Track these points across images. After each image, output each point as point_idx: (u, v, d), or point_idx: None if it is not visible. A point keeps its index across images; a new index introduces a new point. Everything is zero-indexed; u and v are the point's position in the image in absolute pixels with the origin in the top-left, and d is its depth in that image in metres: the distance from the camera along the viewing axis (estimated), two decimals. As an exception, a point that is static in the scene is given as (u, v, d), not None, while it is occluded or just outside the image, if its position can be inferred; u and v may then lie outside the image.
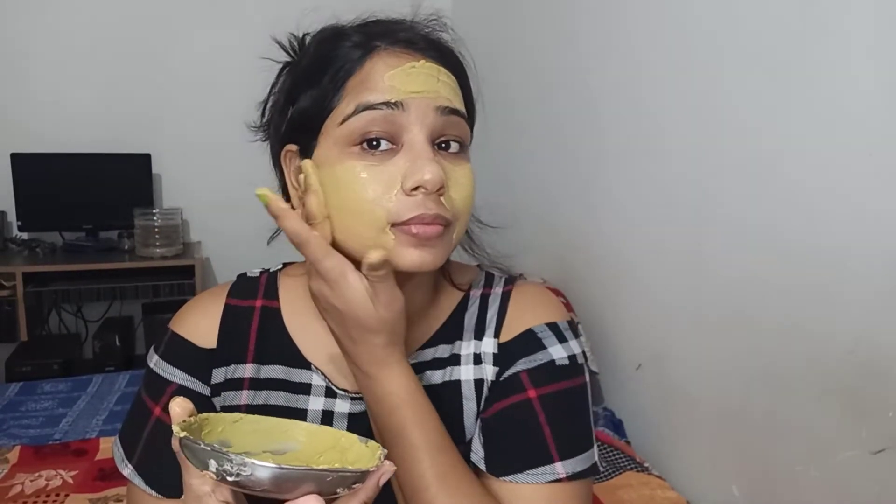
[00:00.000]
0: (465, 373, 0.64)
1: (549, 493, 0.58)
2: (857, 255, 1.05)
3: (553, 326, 0.64)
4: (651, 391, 1.62)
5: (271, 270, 0.70)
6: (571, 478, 0.58)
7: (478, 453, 0.61)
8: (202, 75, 2.78)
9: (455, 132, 0.56)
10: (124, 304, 2.81)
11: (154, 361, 0.65)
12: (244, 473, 0.41)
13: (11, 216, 2.64)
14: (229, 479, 0.41)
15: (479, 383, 0.63)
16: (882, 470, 1.02)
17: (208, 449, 0.41)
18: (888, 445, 1.01)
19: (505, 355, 0.63)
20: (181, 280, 2.56)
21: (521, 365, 0.62)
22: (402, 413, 0.55)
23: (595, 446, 0.63)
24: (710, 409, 1.42)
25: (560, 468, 0.58)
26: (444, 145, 0.56)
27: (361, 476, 0.44)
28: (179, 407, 0.46)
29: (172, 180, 2.84)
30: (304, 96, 0.58)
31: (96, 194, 2.68)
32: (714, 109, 1.36)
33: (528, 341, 0.63)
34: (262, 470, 0.40)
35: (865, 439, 1.05)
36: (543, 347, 0.62)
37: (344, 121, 0.54)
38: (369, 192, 0.53)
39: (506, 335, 0.64)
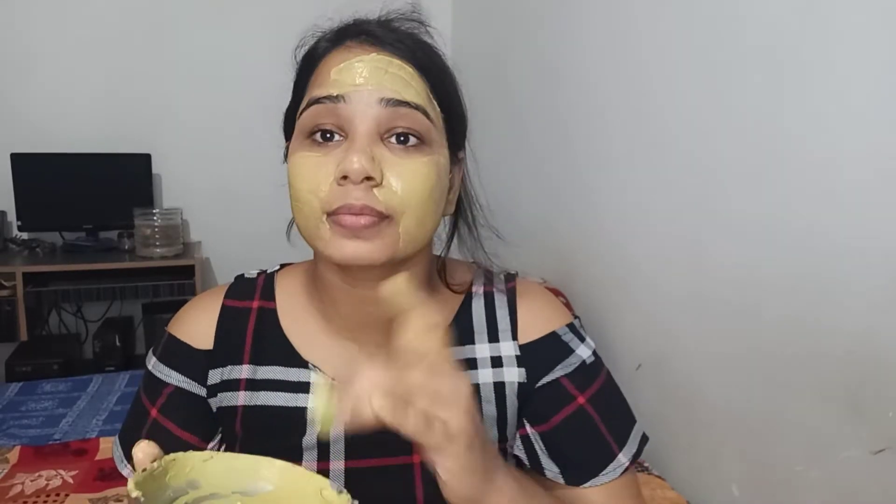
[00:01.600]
0: (483, 376, 0.64)
1: (621, 484, 0.63)
2: (857, 256, 1.05)
3: (571, 327, 0.67)
4: (651, 391, 1.62)
5: (268, 271, 0.70)
6: (632, 460, 0.64)
7: (552, 469, 0.63)
8: (203, 75, 2.78)
9: (405, 124, 0.55)
10: (124, 304, 2.81)
11: (152, 363, 0.66)
12: None
13: (11, 216, 2.64)
14: None
15: (499, 385, 0.64)
16: (882, 470, 1.02)
17: None
18: (888, 445, 1.01)
19: (531, 357, 0.65)
20: (181, 280, 2.56)
21: (559, 371, 0.64)
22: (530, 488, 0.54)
23: (636, 420, 0.67)
24: (710, 410, 1.41)
25: (623, 458, 0.63)
26: (402, 139, 0.55)
27: None
28: (142, 452, 0.44)
29: (172, 180, 2.84)
30: (292, 95, 0.61)
31: (96, 194, 2.67)
32: (716, 107, 1.36)
33: (557, 346, 0.65)
34: None
35: (865, 439, 1.04)
36: (572, 350, 0.65)
37: (300, 115, 0.56)
38: (308, 181, 0.54)
39: (524, 336, 0.65)
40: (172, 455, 0.45)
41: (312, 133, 0.56)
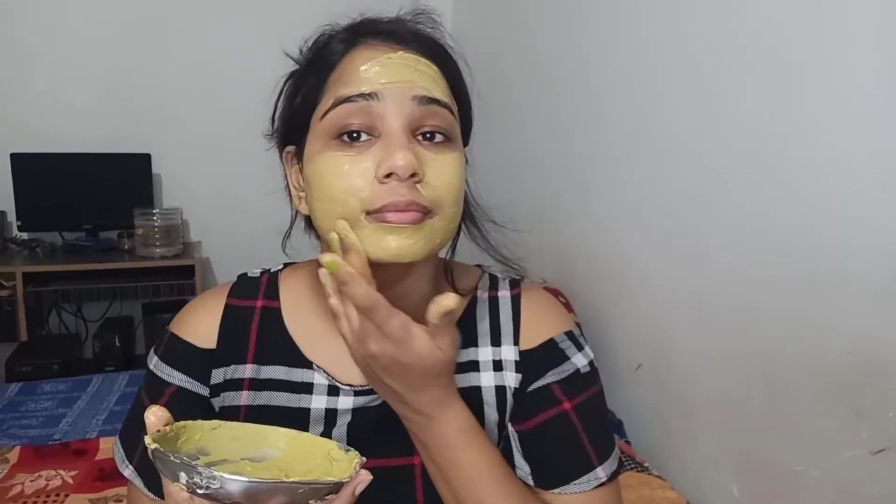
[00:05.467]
0: (486, 379, 0.64)
1: (596, 498, 0.61)
2: (857, 256, 1.05)
3: (570, 335, 0.66)
4: (651, 391, 1.62)
5: (272, 270, 0.70)
6: (610, 479, 0.62)
7: (523, 469, 0.62)
8: (202, 75, 2.78)
9: (435, 122, 0.55)
10: (124, 304, 2.81)
11: (154, 363, 0.65)
12: (214, 486, 0.41)
13: (11, 216, 2.64)
14: (199, 491, 0.41)
15: (500, 390, 0.64)
16: (882, 470, 1.02)
17: (178, 462, 0.41)
18: (888, 445, 1.01)
19: (528, 363, 0.65)
20: (181, 280, 2.56)
21: (551, 377, 0.64)
22: (469, 449, 0.56)
23: (616, 443, 0.66)
24: (710, 409, 1.42)
25: (601, 472, 0.61)
26: (428, 136, 0.55)
27: (335, 487, 0.44)
28: (154, 416, 0.46)
29: (172, 180, 2.84)
30: (298, 97, 0.60)
31: (96, 194, 2.68)
32: (716, 106, 1.36)
33: (553, 352, 0.65)
34: (232, 483, 0.41)
35: (865, 439, 1.05)
36: (567, 358, 0.65)
37: (324, 115, 0.55)
38: (344, 181, 0.53)
39: (525, 343, 0.65)
40: (182, 422, 0.47)
41: (340, 134, 0.54)
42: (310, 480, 0.43)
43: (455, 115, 0.57)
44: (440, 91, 0.56)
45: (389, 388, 0.54)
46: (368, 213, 0.53)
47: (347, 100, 0.54)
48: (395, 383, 0.54)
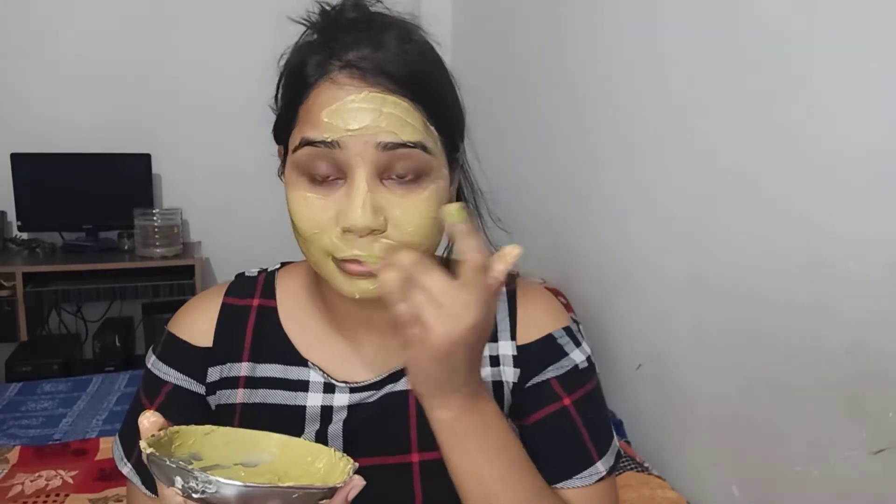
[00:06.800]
0: (482, 374, 0.64)
1: (596, 492, 0.62)
2: (855, 257, 1.05)
3: (568, 331, 0.67)
4: (651, 391, 1.62)
5: (269, 270, 0.70)
6: (609, 472, 0.63)
7: None
8: (202, 76, 2.78)
9: (404, 163, 0.53)
10: (124, 304, 2.81)
11: (152, 362, 0.66)
12: (209, 491, 0.41)
13: (11, 216, 2.65)
14: (195, 495, 0.41)
15: (497, 385, 0.65)
16: (882, 470, 1.02)
17: (174, 466, 0.42)
18: (888, 445, 1.01)
19: (526, 358, 0.65)
20: (181, 280, 2.57)
21: (551, 372, 0.64)
22: (507, 431, 0.55)
23: (615, 437, 0.66)
24: (710, 409, 1.42)
25: (601, 466, 0.62)
26: (401, 174, 0.54)
27: (329, 492, 0.45)
28: (148, 421, 0.46)
29: (172, 180, 2.84)
30: (280, 101, 0.59)
31: (96, 194, 2.68)
32: (710, 113, 1.36)
33: (551, 347, 0.65)
34: (227, 488, 0.41)
35: (865, 439, 1.05)
36: (566, 353, 0.65)
37: (294, 150, 0.55)
38: (312, 225, 0.54)
39: (523, 337, 0.66)
40: (176, 427, 0.48)
41: (308, 171, 0.54)
42: (304, 485, 0.43)
43: (430, 150, 0.54)
44: (409, 131, 0.53)
45: (462, 367, 0.50)
46: (333, 258, 0.54)
47: (311, 143, 0.53)
48: (469, 360, 0.50)
